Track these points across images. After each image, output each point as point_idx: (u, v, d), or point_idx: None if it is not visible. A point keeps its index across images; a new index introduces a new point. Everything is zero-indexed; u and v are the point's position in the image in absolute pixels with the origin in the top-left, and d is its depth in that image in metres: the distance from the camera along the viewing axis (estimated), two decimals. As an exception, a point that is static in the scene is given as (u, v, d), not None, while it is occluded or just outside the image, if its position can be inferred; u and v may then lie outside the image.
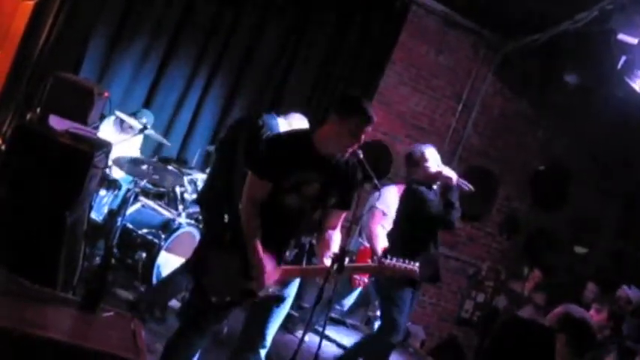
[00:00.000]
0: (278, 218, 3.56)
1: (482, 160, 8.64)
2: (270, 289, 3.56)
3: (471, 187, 5.19)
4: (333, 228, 3.69)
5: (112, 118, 6.31)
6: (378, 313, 6.55)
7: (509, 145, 8.71)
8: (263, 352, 3.81)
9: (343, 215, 3.74)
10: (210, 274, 3.56)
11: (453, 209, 5.09)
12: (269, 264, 3.51)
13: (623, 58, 5.92)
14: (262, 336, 3.78)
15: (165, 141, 6.57)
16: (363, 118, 3.54)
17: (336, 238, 3.68)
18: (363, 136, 3.56)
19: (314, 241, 3.78)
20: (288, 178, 3.49)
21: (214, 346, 4.70)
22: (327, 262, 3.51)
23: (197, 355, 3.81)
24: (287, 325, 6.18)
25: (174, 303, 5.67)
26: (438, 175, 5.20)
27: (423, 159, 5.26)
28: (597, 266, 8.82)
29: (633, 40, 5.86)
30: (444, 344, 8.22)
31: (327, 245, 3.62)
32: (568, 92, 7.49)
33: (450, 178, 5.14)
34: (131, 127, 6.09)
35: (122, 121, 6.28)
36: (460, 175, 5.29)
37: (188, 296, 4.35)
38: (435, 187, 5.27)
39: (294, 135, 3.67)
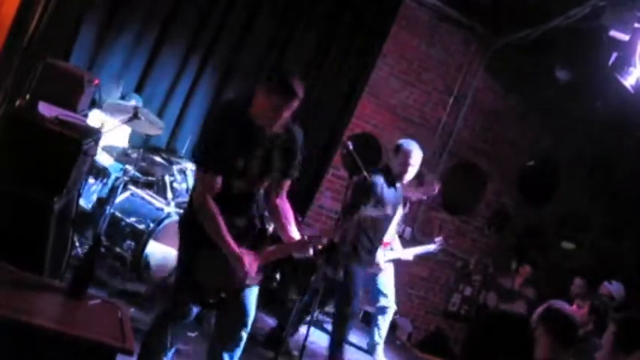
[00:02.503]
0: (231, 204, 3.53)
1: (471, 155, 8.66)
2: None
3: None
4: (280, 197, 3.75)
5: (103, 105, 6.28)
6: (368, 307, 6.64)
7: (499, 139, 8.73)
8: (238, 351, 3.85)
9: (287, 184, 3.77)
10: (205, 272, 3.53)
11: None
12: (247, 255, 3.50)
13: (615, 55, 5.93)
14: (238, 336, 3.80)
15: (158, 121, 6.34)
16: (288, 95, 3.46)
17: (287, 207, 3.75)
18: (289, 112, 3.52)
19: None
20: (237, 162, 3.47)
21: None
22: (295, 231, 3.65)
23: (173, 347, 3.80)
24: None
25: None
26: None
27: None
28: (584, 262, 8.87)
29: (625, 37, 5.87)
30: (431, 337, 8.26)
31: (282, 215, 3.70)
32: (559, 88, 7.52)
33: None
34: (122, 112, 6.05)
35: (113, 109, 6.25)
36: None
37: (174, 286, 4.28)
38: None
39: (234, 112, 3.53)
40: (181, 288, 3.68)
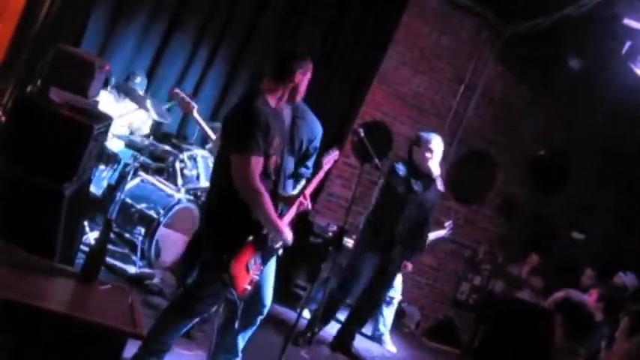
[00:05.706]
0: (269, 182, 3.68)
1: (482, 143, 8.63)
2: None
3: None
4: None
5: (113, 90, 6.31)
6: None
7: (510, 128, 8.69)
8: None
9: None
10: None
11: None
12: (286, 227, 3.75)
13: (628, 44, 5.89)
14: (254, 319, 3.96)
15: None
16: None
17: None
18: None
19: None
20: (273, 144, 3.64)
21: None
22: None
23: None
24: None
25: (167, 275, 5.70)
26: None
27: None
28: (594, 252, 8.83)
29: (638, 26, 5.82)
30: (439, 325, 8.26)
31: None
32: (570, 77, 7.46)
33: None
34: (131, 97, 6.07)
35: (121, 93, 6.27)
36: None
37: (198, 280, 4.24)
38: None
39: (259, 102, 3.67)
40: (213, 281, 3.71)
